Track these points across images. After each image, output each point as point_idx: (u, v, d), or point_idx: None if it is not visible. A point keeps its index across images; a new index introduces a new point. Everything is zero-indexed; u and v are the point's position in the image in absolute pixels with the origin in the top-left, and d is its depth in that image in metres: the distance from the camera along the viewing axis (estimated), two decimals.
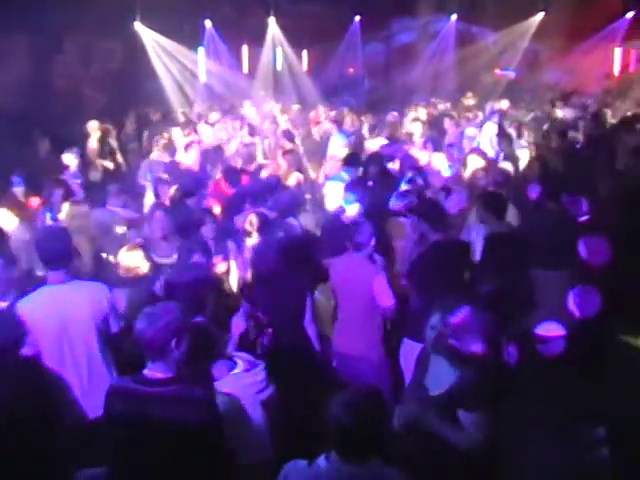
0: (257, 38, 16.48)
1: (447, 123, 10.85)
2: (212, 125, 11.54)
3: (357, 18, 17.74)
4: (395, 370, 4.80)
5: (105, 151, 9.96)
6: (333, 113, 12.39)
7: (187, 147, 8.92)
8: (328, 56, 18.00)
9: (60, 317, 3.79)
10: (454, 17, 17.90)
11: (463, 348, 3.37)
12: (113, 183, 7.55)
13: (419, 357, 3.65)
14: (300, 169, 8.62)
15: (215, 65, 15.98)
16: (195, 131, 10.84)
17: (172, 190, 6.89)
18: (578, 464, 3.57)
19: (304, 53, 17.86)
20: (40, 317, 3.78)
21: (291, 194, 6.70)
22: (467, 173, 7.41)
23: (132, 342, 3.12)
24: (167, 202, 6.78)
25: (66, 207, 6.30)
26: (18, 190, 7.23)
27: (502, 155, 8.64)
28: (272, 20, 16.54)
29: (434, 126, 11.01)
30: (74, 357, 3.84)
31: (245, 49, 16.92)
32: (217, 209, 6.88)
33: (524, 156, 8.94)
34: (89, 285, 4.02)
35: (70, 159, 8.54)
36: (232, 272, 5.71)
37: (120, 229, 6.35)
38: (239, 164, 8.68)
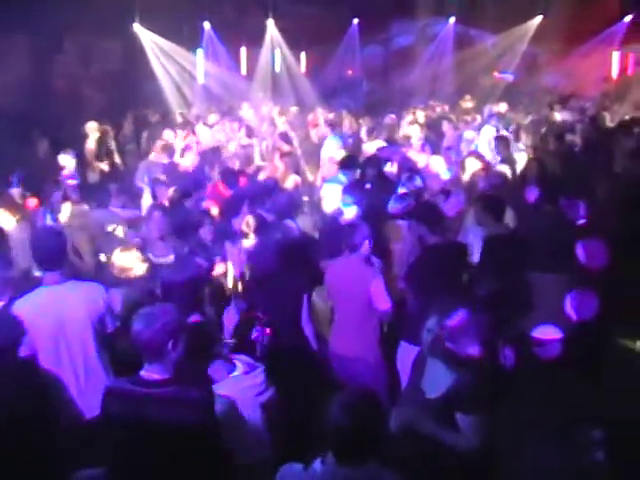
0: (256, 40, 16.46)
1: (445, 126, 10.85)
2: (210, 127, 11.55)
3: (356, 20, 17.76)
4: (392, 373, 4.79)
5: (102, 152, 9.96)
6: (331, 115, 12.39)
7: (184, 151, 8.93)
8: (326, 58, 17.99)
9: (57, 317, 3.79)
10: (452, 20, 17.92)
11: (460, 351, 3.36)
12: (110, 184, 7.54)
13: (416, 360, 3.64)
14: (298, 171, 8.63)
15: (214, 67, 15.97)
16: (193, 132, 10.85)
17: (170, 191, 6.90)
18: (575, 467, 3.56)
19: (302, 55, 17.84)
20: (37, 317, 3.78)
21: (289, 196, 6.69)
22: (465, 176, 7.41)
23: (128, 342, 3.12)
24: (165, 203, 6.79)
25: (66, 207, 6.32)
26: (15, 191, 7.22)
27: (499, 158, 8.64)
28: (271, 22, 16.54)
29: (432, 129, 11.02)
30: (71, 357, 3.84)
31: (243, 51, 16.90)
32: (215, 211, 6.89)
33: (522, 159, 8.94)
34: (85, 285, 4.02)
35: (67, 160, 8.53)
36: (229, 273, 5.72)
37: (119, 230, 6.34)
38: (237, 166, 8.68)
